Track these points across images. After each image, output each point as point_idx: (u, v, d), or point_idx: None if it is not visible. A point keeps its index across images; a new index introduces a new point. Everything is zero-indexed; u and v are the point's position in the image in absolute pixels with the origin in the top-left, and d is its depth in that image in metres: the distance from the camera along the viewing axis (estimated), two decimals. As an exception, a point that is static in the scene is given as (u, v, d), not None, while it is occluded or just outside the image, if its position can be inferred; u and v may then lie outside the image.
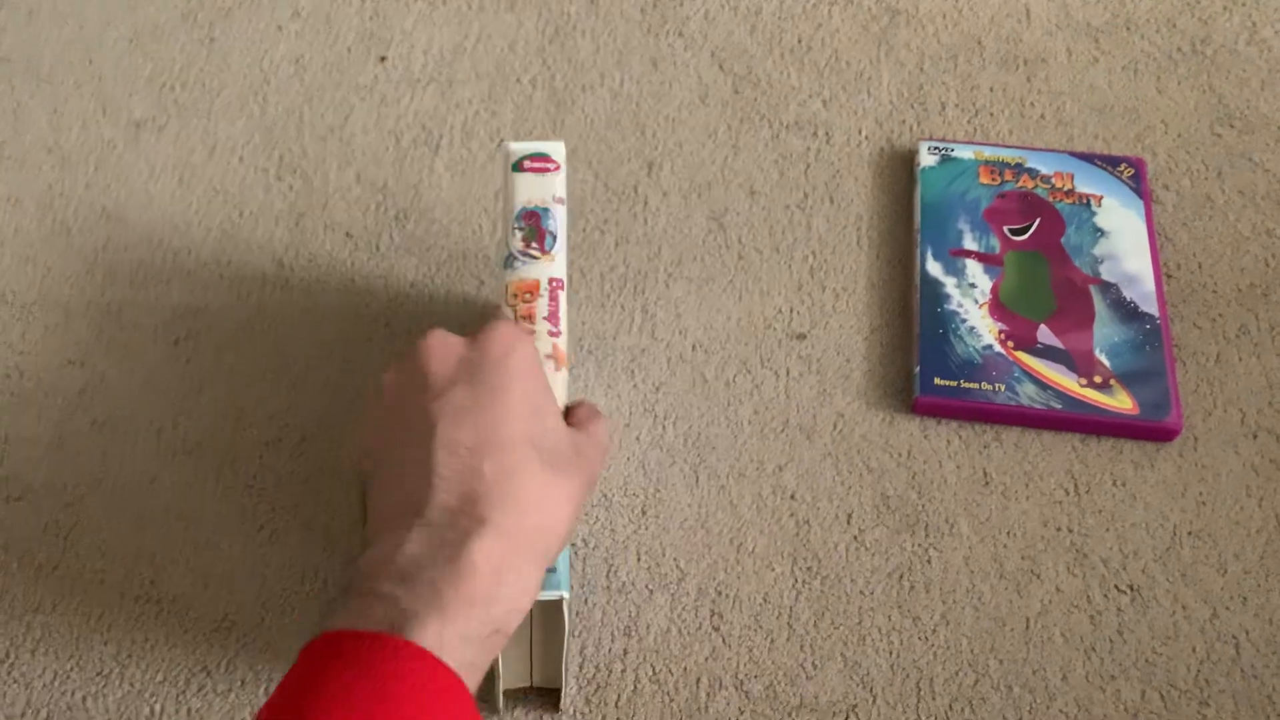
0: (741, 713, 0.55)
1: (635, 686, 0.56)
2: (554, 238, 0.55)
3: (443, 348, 0.47)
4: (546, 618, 0.49)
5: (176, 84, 0.79)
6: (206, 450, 0.64)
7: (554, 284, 0.54)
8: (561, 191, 0.57)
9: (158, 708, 0.55)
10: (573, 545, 0.60)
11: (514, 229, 0.55)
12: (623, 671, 0.56)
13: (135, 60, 0.80)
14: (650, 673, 0.56)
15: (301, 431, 0.64)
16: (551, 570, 0.46)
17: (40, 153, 0.76)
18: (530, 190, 0.56)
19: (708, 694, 0.56)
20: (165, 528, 0.61)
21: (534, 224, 0.55)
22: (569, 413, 0.51)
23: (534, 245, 0.55)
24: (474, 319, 0.68)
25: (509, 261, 0.54)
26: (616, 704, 0.56)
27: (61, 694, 0.56)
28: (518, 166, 0.57)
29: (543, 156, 0.57)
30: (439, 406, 0.43)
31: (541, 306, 0.53)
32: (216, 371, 0.66)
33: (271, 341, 0.67)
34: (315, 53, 0.81)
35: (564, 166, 0.58)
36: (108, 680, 0.56)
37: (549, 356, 0.52)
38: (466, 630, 0.37)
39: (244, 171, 0.75)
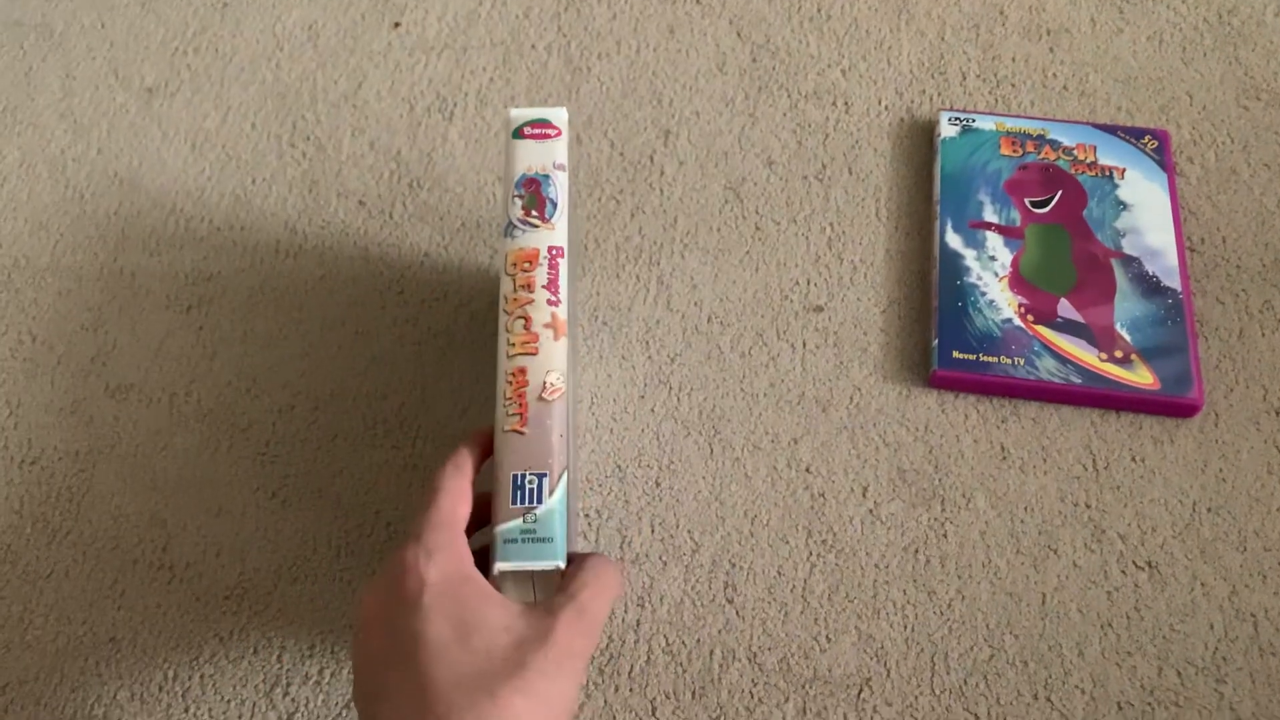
0: (755, 685, 0.55)
1: (649, 657, 0.56)
2: (554, 205, 0.54)
3: (370, 596, 0.45)
4: (544, 589, 0.48)
5: (189, 49, 0.79)
6: (219, 417, 0.63)
7: (554, 252, 0.53)
8: (563, 158, 0.56)
9: (170, 674, 0.55)
10: (586, 516, 0.60)
11: (513, 197, 0.54)
12: (636, 642, 0.56)
13: (148, 25, 0.80)
14: (664, 644, 0.56)
15: (314, 399, 0.64)
16: (548, 540, 0.46)
17: (53, 118, 0.75)
18: (530, 157, 0.55)
19: (721, 665, 0.56)
20: (178, 494, 0.61)
21: (534, 191, 0.54)
22: (572, 564, 0.46)
23: (534, 213, 0.54)
24: (486, 289, 0.68)
25: (509, 230, 0.53)
26: (630, 674, 0.55)
27: (74, 658, 0.56)
28: (518, 133, 0.56)
29: (543, 122, 0.56)
30: (371, 696, 0.42)
31: (540, 275, 0.52)
32: (229, 338, 0.66)
33: (284, 309, 0.67)
34: (329, 18, 0.80)
35: (565, 132, 0.56)
36: (119, 646, 0.56)
37: (547, 325, 0.51)
38: None
39: (256, 138, 0.74)
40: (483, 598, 0.43)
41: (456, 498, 0.46)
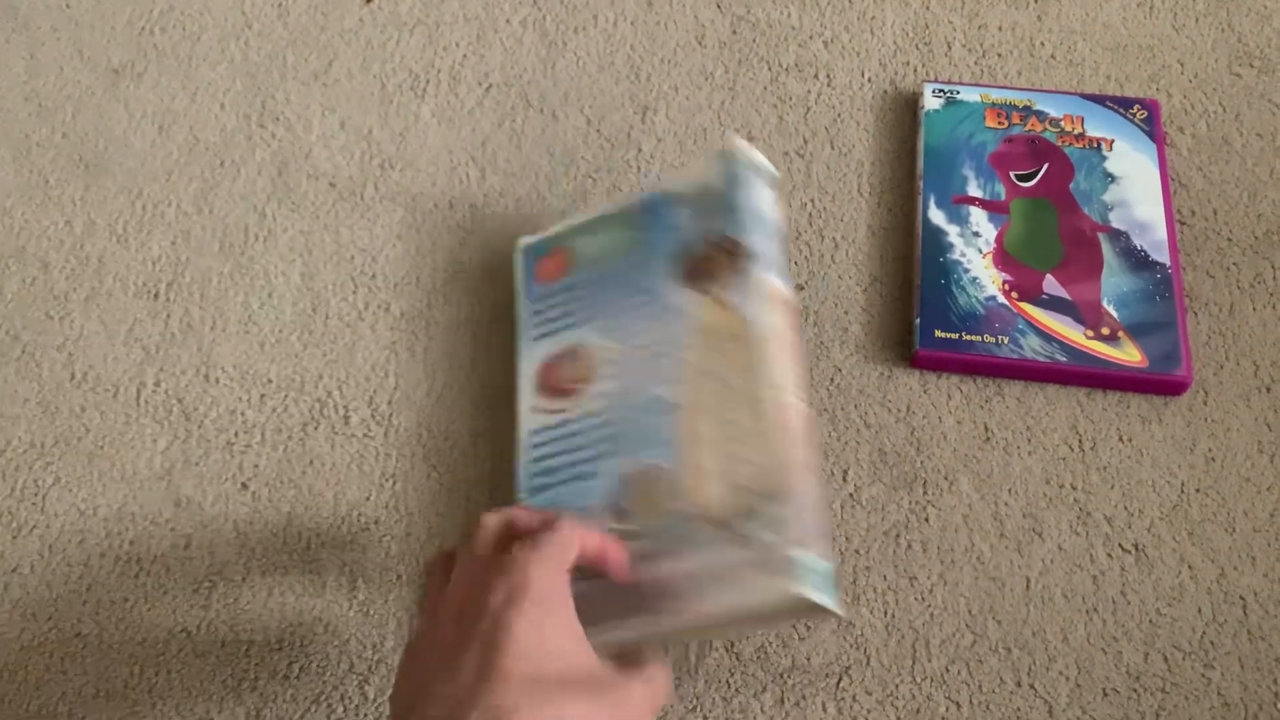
0: (732, 674, 0.54)
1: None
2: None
3: (440, 602, 0.45)
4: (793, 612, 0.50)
5: (156, 28, 0.77)
6: (188, 406, 0.62)
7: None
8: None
9: (136, 670, 0.54)
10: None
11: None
12: (611, 632, 0.55)
13: (113, 4, 0.78)
14: (639, 634, 0.55)
15: (284, 387, 0.63)
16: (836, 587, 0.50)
17: (16, 101, 0.74)
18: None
19: (697, 656, 0.55)
20: (145, 486, 0.60)
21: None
22: (629, 657, 0.47)
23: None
24: (460, 273, 0.66)
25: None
26: (604, 665, 0.54)
27: (38, 655, 0.55)
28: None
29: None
30: (431, 662, 0.42)
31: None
32: (198, 326, 0.65)
33: (254, 294, 0.66)
34: (299, -5, 0.78)
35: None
36: (85, 642, 0.55)
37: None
38: None
39: (225, 119, 0.73)
40: (572, 626, 0.43)
41: (576, 530, 0.46)
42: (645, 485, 0.52)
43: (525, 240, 0.64)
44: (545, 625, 0.42)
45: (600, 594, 0.50)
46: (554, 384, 0.58)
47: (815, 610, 0.49)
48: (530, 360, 0.59)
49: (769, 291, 0.55)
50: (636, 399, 0.55)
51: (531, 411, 0.57)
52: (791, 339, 0.55)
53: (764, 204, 0.59)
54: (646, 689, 0.44)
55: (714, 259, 0.57)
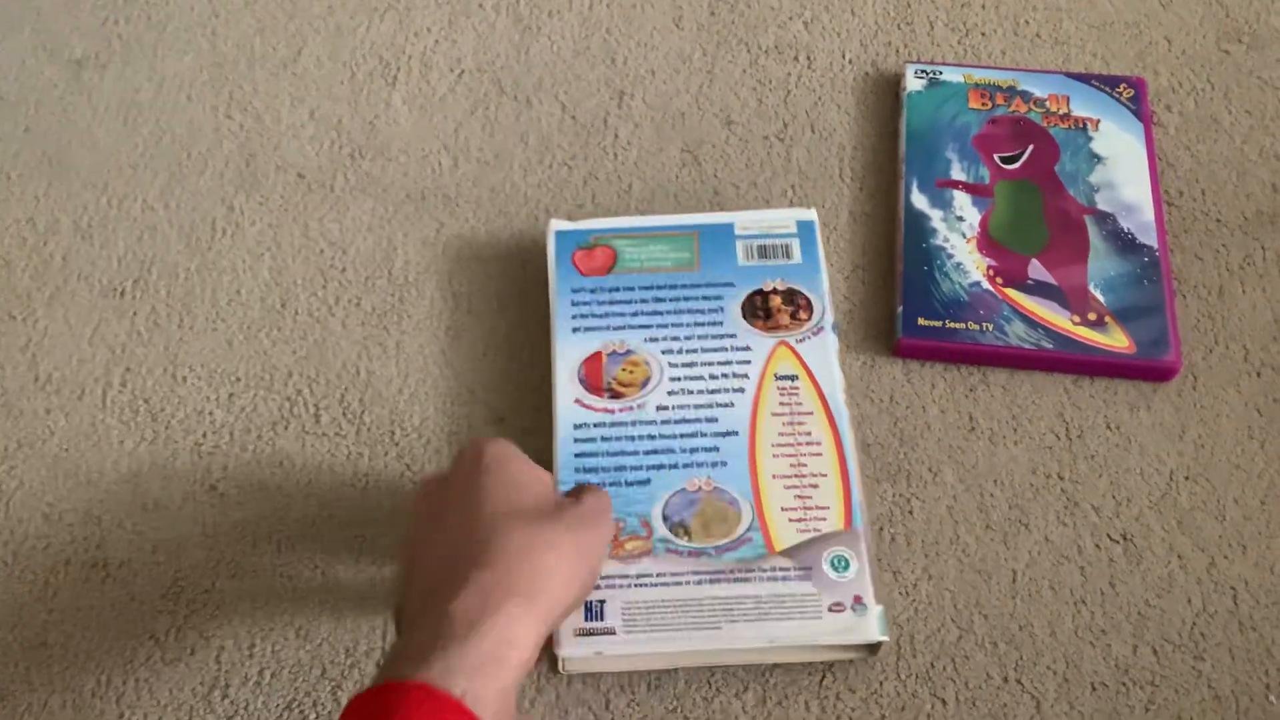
0: (712, 674, 0.53)
1: (602, 648, 0.54)
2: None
3: (428, 487, 0.50)
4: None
5: (120, 18, 0.75)
6: (154, 406, 0.61)
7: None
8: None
9: (104, 678, 0.53)
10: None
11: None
12: (589, 633, 0.54)
13: (76, -7, 0.76)
14: (618, 634, 0.54)
15: (253, 385, 0.61)
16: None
17: (-23, 94, 0.72)
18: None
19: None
20: (111, 489, 0.58)
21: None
22: (574, 493, 0.51)
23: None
24: (432, 265, 0.65)
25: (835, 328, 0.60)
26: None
27: (3, 665, 0.53)
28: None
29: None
30: (426, 528, 0.48)
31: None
32: (165, 324, 0.63)
33: (222, 291, 0.64)
34: (266, -19, 0.76)
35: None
36: (51, 650, 0.54)
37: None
38: (449, 664, 0.39)
39: (192, 110, 0.71)
40: (532, 470, 0.49)
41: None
42: (714, 510, 0.54)
43: (558, 224, 0.63)
44: (507, 473, 0.48)
45: (657, 607, 0.52)
46: (602, 382, 0.58)
47: (863, 649, 0.52)
48: (571, 352, 0.59)
49: (837, 352, 0.58)
50: (698, 417, 0.57)
51: (575, 404, 0.57)
52: (845, 388, 0.58)
53: (821, 257, 0.61)
54: (598, 505, 0.49)
55: (777, 306, 0.59)
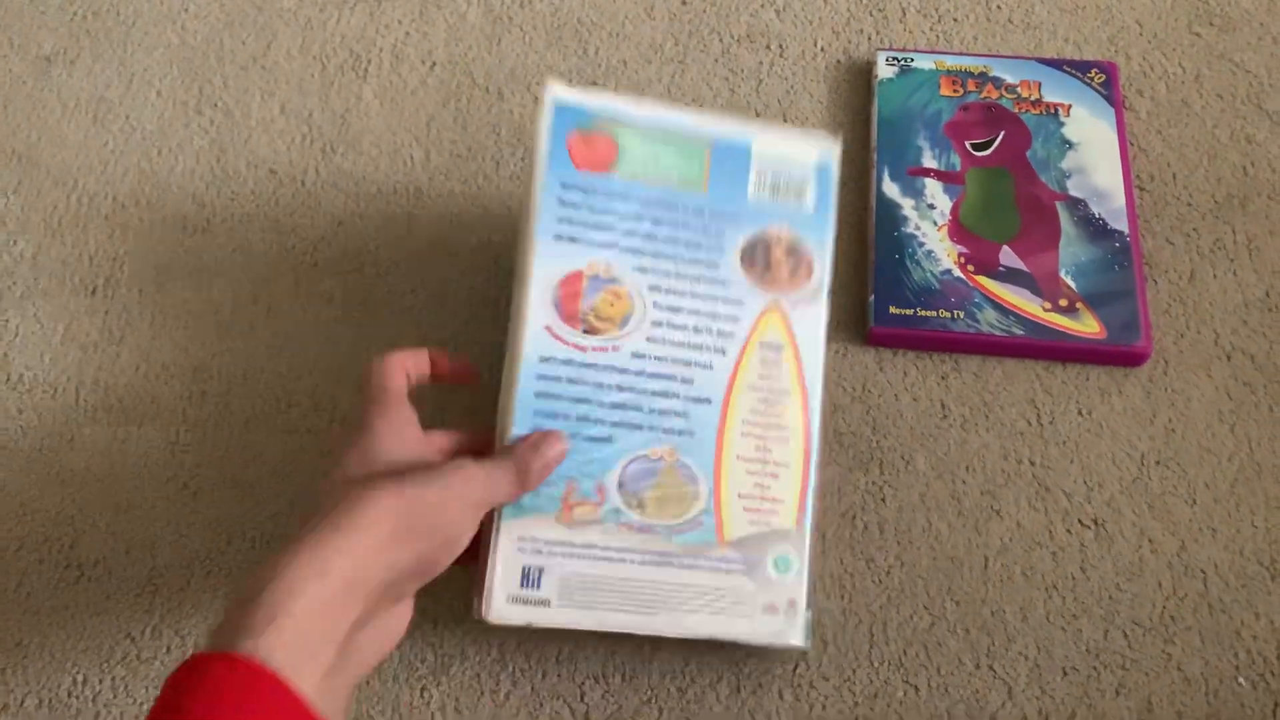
0: (686, 664, 0.53)
1: (576, 640, 0.54)
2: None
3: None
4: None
5: (89, 14, 0.74)
6: (127, 406, 0.61)
7: None
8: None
9: (79, 678, 0.53)
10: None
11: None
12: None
13: (44, -12, 0.76)
14: (592, 626, 0.54)
15: (226, 382, 0.61)
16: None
17: (-55, 92, 0.72)
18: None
19: (651, 646, 0.54)
20: (85, 489, 0.58)
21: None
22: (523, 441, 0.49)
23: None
24: (404, 260, 0.65)
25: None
26: (557, 658, 0.54)
27: (-21, 666, 0.53)
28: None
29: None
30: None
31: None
32: (136, 322, 0.63)
33: (193, 288, 0.64)
34: (235, -26, 0.76)
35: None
36: (26, 651, 0.54)
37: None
38: (240, 627, 0.39)
39: (162, 106, 0.71)
40: (404, 429, 0.47)
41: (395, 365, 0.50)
42: (672, 487, 0.51)
43: (560, 94, 0.53)
44: (368, 428, 0.47)
45: (597, 584, 0.50)
46: (578, 312, 0.51)
47: (790, 650, 0.53)
48: (550, 265, 0.51)
49: (827, 325, 0.53)
50: (674, 374, 0.51)
51: (545, 332, 0.50)
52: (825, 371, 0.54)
53: (833, 210, 0.55)
54: (485, 477, 0.47)
55: (779, 259, 0.53)
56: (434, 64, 0.72)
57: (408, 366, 0.50)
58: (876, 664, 0.53)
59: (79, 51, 0.73)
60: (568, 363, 0.50)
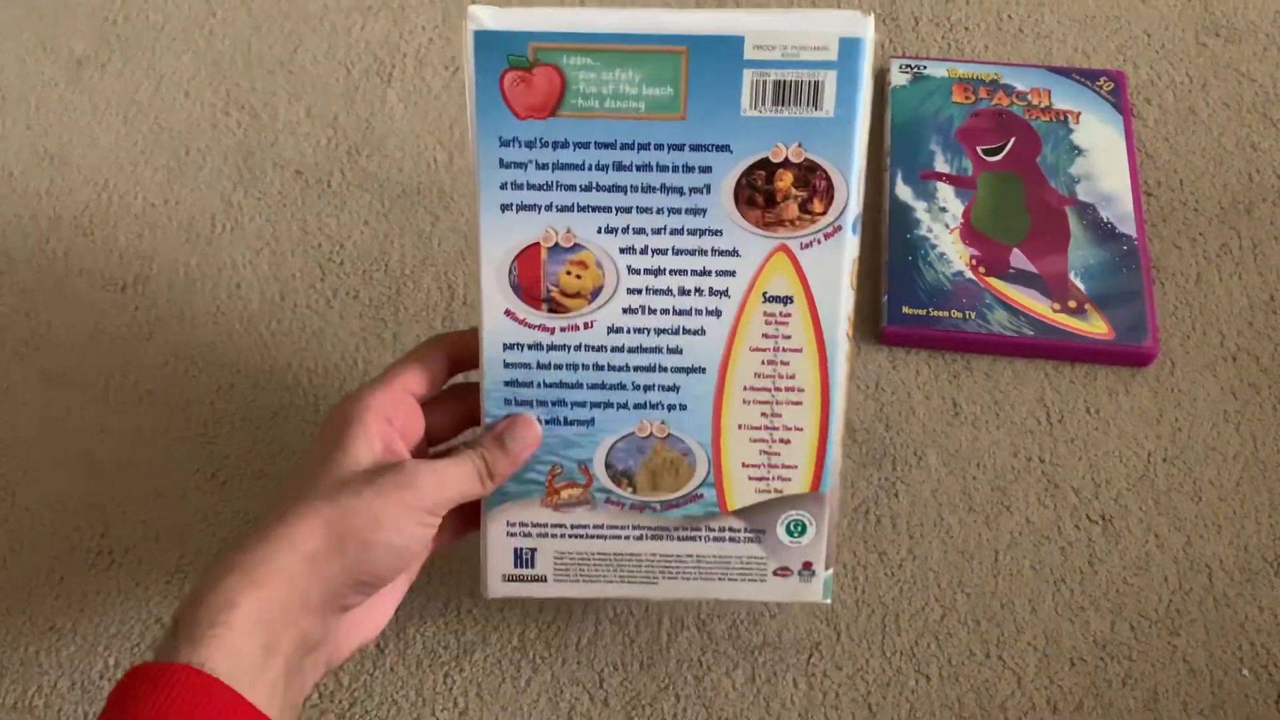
0: (703, 653, 0.54)
1: (596, 628, 0.55)
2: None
3: None
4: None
5: (119, 17, 0.76)
6: (157, 398, 0.62)
7: None
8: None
9: (111, 661, 0.55)
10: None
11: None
12: (583, 613, 0.55)
13: (75, -7, 0.77)
14: (611, 614, 0.55)
15: (253, 377, 0.62)
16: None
17: (-21, 93, 0.73)
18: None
19: (669, 634, 0.55)
20: (116, 479, 0.60)
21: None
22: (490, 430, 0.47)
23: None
24: (429, 258, 0.66)
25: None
26: (577, 646, 0.55)
27: (13, 649, 0.55)
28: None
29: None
30: None
31: None
32: (165, 317, 0.65)
33: (221, 285, 0.66)
34: (262, -19, 0.78)
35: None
36: (60, 634, 0.55)
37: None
38: (181, 638, 0.39)
39: (190, 108, 0.72)
40: (360, 431, 0.44)
41: (408, 365, 0.47)
42: (664, 460, 0.47)
43: (482, 21, 0.42)
44: (321, 442, 0.45)
45: (599, 556, 0.49)
46: (539, 289, 0.45)
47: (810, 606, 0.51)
48: (498, 241, 0.44)
49: (853, 263, 0.45)
50: (659, 345, 0.46)
51: (505, 317, 0.45)
52: (852, 315, 0.46)
53: (866, 120, 0.43)
54: (433, 477, 0.44)
55: (786, 190, 0.43)
56: (456, 69, 0.73)
57: (389, 414, 0.46)
58: (889, 654, 0.54)
59: (110, 55, 0.75)
60: (535, 347, 0.46)
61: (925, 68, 0.71)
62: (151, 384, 0.62)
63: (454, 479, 0.45)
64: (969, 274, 0.63)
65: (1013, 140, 0.68)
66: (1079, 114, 0.69)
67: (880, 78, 0.72)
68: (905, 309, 0.62)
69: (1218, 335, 0.63)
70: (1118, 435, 0.60)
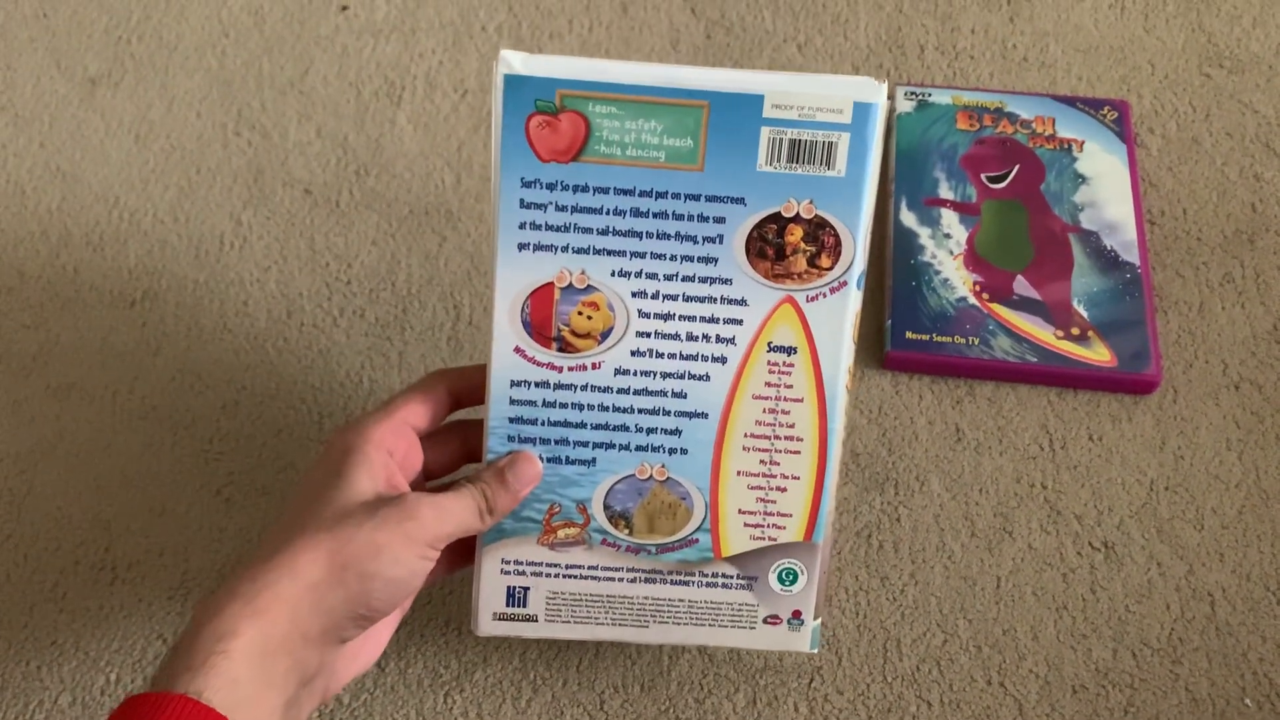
0: (704, 676, 0.54)
1: (597, 650, 0.55)
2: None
3: None
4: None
5: (132, 37, 0.77)
6: (163, 414, 0.62)
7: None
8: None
9: (113, 677, 0.55)
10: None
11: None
12: (584, 635, 0.55)
13: (90, 13, 0.78)
14: (612, 636, 0.55)
15: (259, 394, 0.63)
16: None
17: (-7, 111, 0.74)
18: None
19: (670, 657, 0.55)
20: (121, 494, 0.60)
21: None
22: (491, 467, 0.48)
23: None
24: (436, 278, 0.67)
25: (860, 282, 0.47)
26: (578, 667, 0.55)
27: (15, 664, 0.55)
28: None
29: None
30: None
31: None
32: (173, 334, 0.65)
33: (229, 302, 0.66)
34: (274, 3, 0.78)
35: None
36: (62, 650, 0.55)
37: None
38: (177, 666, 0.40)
39: (201, 127, 0.73)
40: (347, 466, 0.44)
41: (410, 397, 0.47)
42: (662, 504, 0.48)
43: (513, 66, 0.43)
44: (321, 469, 0.45)
45: (584, 600, 0.50)
46: (551, 330, 0.46)
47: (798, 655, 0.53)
48: (516, 278, 0.45)
49: (856, 316, 0.46)
50: (664, 389, 0.47)
51: (514, 354, 0.46)
52: (852, 366, 0.48)
53: (875, 180, 0.45)
54: (434, 511, 0.44)
55: (796, 244, 0.45)
56: (466, 91, 0.74)
57: (390, 446, 0.46)
58: (890, 679, 0.54)
59: (123, 74, 0.75)
60: (542, 385, 0.46)
61: (930, 95, 0.71)
62: (158, 400, 0.63)
63: (455, 513, 0.45)
64: (972, 300, 0.63)
65: (1017, 167, 0.68)
66: (1083, 142, 0.69)
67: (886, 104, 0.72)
68: (909, 334, 0.62)
69: (1220, 364, 0.63)
70: (1120, 463, 0.60)
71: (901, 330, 0.62)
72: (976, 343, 0.62)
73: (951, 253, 0.65)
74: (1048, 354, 0.62)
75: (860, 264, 0.45)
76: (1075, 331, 0.62)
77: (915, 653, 0.55)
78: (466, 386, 0.49)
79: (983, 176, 0.68)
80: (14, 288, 0.67)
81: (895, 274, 0.64)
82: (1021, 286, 0.64)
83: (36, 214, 0.70)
